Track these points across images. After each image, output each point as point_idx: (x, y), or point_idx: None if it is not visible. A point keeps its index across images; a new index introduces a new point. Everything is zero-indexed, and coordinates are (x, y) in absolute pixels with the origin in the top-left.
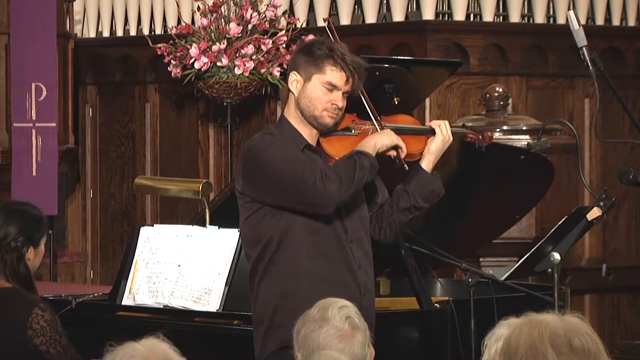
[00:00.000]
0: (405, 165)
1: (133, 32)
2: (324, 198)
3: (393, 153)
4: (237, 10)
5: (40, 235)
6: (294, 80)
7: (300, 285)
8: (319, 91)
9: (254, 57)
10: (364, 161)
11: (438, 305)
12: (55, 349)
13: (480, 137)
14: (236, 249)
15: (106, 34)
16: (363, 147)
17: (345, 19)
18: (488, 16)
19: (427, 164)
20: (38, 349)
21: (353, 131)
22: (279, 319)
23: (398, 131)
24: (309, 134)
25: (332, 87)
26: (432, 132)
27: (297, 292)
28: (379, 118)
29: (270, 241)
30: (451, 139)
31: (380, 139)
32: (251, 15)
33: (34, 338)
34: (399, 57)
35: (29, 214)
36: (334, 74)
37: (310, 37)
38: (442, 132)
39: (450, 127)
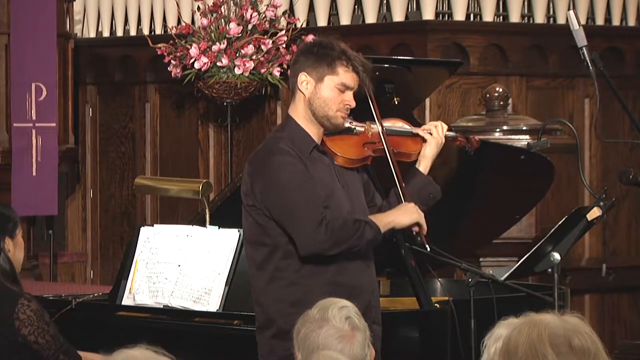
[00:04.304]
0: (427, 246)
1: (133, 32)
2: (308, 241)
3: (415, 229)
4: (237, 10)
5: (13, 225)
6: (304, 81)
7: (311, 292)
8: (332, 92)
9: (254, 57)
10: (367, 233)
11: (438, 305)
12: (44, 339)
13: (468, 142)
14: (236, 249)
15: (106, 34)
16: (380, 219)
17: (345, 19)
18: (488, 16)
19: (424, 167)
20: (27, 340)
21: (354, 131)
22: (289, 326)
23: (393, 133)
24: (316, 134)
25: (344, 88)
26: (428, 134)
27: (309, 299)
28: (381, 121)
29: (278, 246)
30: (443, 140)
31: (399, 219)
32: (251, 15)
33: (22, 328)
34: (399, 57)
35: None
36: (347, 75)
37: (310, 37)
38: (437, 135)
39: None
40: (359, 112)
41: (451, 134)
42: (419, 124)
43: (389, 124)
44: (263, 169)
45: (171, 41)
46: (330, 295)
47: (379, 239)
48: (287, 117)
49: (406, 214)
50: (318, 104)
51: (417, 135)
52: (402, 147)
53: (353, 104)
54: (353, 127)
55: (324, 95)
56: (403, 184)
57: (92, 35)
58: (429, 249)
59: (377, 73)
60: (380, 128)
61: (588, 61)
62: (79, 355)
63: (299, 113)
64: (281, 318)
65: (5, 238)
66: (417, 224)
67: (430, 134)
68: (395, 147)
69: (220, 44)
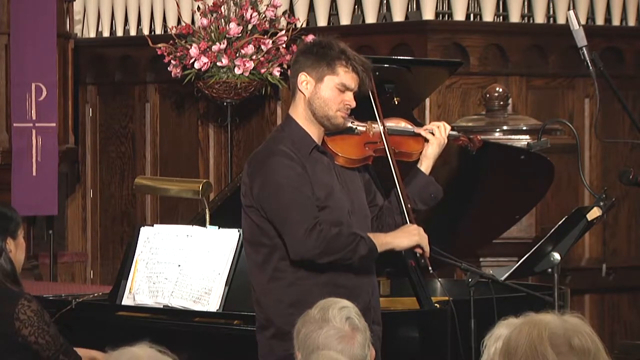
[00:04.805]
0: (430, 268)
1: (133, 32)
2: (298, 245)
3: (418, 251)
4: (237, 10)
5: (15, 226)
6: (304, 81)
7: (310, 293)
8: (332, 92)
9: (254, 57)
10: (361, 248)
11: (438, 305)
12: (44, 339)
13: (470, 142)
14: (236, 249)
15: (106, 34)
16: (378, 238)
17: (345, 19)
18: (488, 16)
19: (425, 167)
20: (27, 340)
21: (355, 131)
22: (288, 327)
23: (395, 132)
24: (316, 134)
25: (344, 88)
26: (430, 135)
27: (308, 300)
28: (383, 122)
29: (276, 247)
30: (446, 141)
31: (398, 240)
32: (251, 15)
33: (22, 329)
34: (399, 57)
35: None
36: (347, 75)
37: (310, 37)
38: (439, 135)
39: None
40: (361, 112)
41: (454, 133)
42: (419, 124)
43: (391, 123)
44: (261, 170)
45: (171, 41)
46: (330, 296)
47: (374, 257)
48: (287, 117)
49: (406, 236)
50: (318, 104)
51: (419, 135)
52: (404, 147)
53: (353, 104)
54: (354, 126)
55: (324, 95)
56: (402, 185)
57: (92, 35)
58: (432, 271)
59: (377, 73)
60: (381, 128)
61: (588, 61)
62: (79, 355)
63: (299, 113)
64: (280, 318)
65: (7, 238)
66: (419, 247)
67: (433, 134)
68: (396, 146)
69: (220, 44)
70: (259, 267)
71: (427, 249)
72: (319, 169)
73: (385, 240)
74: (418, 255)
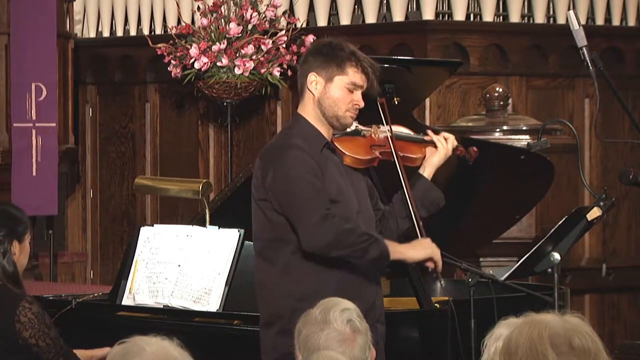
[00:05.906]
0: (442, 281)
1: (133, 32)
2: (311, 234)
3: (430, 265)
4: (237, 10)
5: (23, 229)
6: (314, 82)
7: (320, 289)
8: (342, 92)
9: (254, 57)
10: (373, 250)
11: (438, 305)
12: (44, 342)
13: (467, 153)
14: (236, 249)
15: (106, 34)
16: (392, 246)
17: (345, 19)
18: (488, 16)
19: (428, 174)
20: (27, 342)
21: (361, 133)
22: (296, 321)
23: (400, 137)
24: (325, 133)
25: (354, 88)
26: (432, 143)
27: (317, 295)
28: (390, 127)
29: (288, 241)
30: (450, 152)
31: (411, 252)
32: (251, 15)
33: (23, 331)
34: (399, 57)
35: (6, 212)
36: (356, 75)
37: (311, 37)
38: (445, 146)
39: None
40: (366, 115)
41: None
42: (419, 124)
43: (394, 128)
44: (275, 162)
45: (171, 41)
46: (339, 292)
47: (384, 263)
48: (296, 116)
49: (421, 249)
50: (328, 103)
51: (424, 141)
52: (408, 152)
53: (362, 104)
54: (360, 129)
55: (334, 95)
56: (410, 189)
57: (92, 35)
58: (442, 285)
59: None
60: (388, 133)
61: (588, 61)
62: (79, 358)
63: (308, 112)
64: (289, 313)
65: (13, 241)
66: (431, 260)
67: (439, 143)
68: (401, 150)
69: (220, 44)
70: (269, 261)
71: (439, 263)
72: (330, 166)
73: (399, 249)
74: (430, 269)
